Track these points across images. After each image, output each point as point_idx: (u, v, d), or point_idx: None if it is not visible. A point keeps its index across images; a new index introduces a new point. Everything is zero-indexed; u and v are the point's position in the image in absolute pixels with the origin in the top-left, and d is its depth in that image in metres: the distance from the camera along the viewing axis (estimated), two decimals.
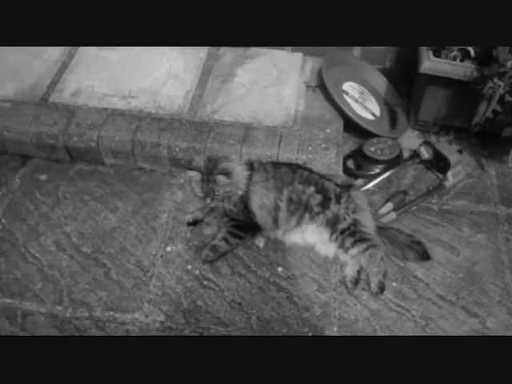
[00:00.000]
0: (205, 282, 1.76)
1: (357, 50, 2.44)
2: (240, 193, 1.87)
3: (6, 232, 1.91)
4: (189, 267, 1.80)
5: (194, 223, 1.95)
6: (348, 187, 1.98)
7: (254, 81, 2.33)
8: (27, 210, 1.98)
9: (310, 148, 2.10)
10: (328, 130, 2.16)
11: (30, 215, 1.97)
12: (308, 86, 2.32)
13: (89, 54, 2.43)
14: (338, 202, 1.88)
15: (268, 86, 2.32)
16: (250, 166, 1.94)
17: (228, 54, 2.45)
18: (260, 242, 1.89)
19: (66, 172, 2.14)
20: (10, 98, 2.27)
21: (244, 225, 1.88)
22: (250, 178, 1.91)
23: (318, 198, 1.89)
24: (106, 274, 1.79)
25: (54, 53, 2.44)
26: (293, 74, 2.37)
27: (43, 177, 2.12)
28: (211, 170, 1.82)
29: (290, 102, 2.26)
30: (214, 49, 2.47)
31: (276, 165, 1.98)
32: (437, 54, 2.04)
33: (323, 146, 2.11)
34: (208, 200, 1.83)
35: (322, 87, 2.30)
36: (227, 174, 1.82)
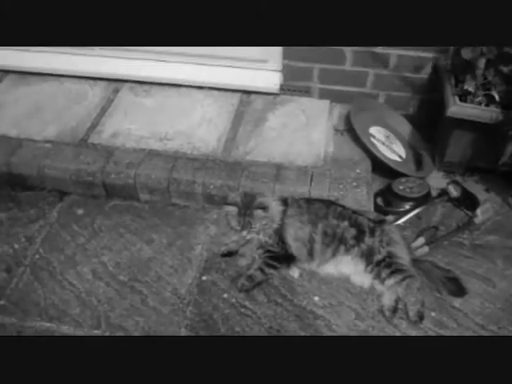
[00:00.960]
0: (242, 310, 1.76)
1: (382, 97, 2.54)
2: (275, 226, 1.90)
3: (44, 261, 1.94)
4: (225, 295, 1.80)
5: (229, 254, 1.97)
6: (380, 222, 2.00)
7: (284, 125, 2.42)
8: (64, 240, 2.02)
9: (341, 186, 2.14)
10: (358, 170, 2.21)
11: (67, 246, 2.00)
12: (336, 130, 2.40)
13: (126, 100, 2.55)
14: (373, 235, 1.90)
15: (298, 129, 2.40)
16: (284, 201, 1.98)
17: (258, 100, 2.56)
18: (295, 272, 1.89)
19: (101, 207, 2.19)
20: (51, 139, 2.37)
21: (279, 256, 1.89)
22: (284, 212, 1.95)
23: (353, 231, 1.90)
24: (142, 300, 1.79)
25: (93, 99, 2.57)
26: (321, 118, 2.45)
27: (80, 211, 2.17)
28: (248, 205, 1.87)
29: (319, 144, 2.33)
30: (245, 96, 2.58)
31: (309, 201, 2.02)
32: (462, 99, 2.13)
33: (354, 184, 2.15)
34: (244, 232, 1.86)
35: (350, 131, 2.38)
36: (264, 208, 1.86)
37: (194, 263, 1.92)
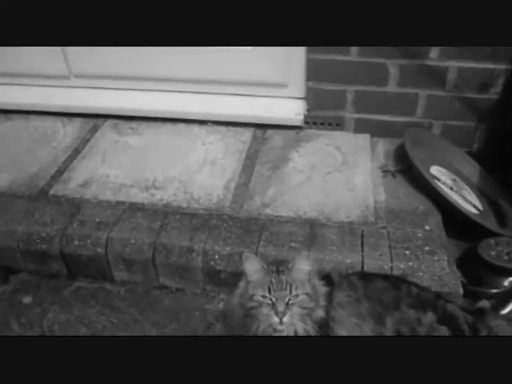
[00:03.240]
0: None
1: (436, 128, 1.73)
2: (321, 314, 1.05)
3: None
4: None
5: None
6: (479, 313, 1.14)
7: (313, 166, 1.59)
8: None
9: (407, 252, 1.28)
10: (427, 227, 1.36)
11: None
12: (385, 171, 1.57)
13: (106, 140, 1.72)
14: (476, 335, 1.04)
15: (332, 171, 1.57)
16: (328, 279, 1.13)
17: (276, 136, 1.74)
18: None
19: (59, 292, 1.32)
20: (1, 191, 1.56)
21: None
22: (330, 297, 1.09)
23: (444, 330, 1.04)
24: None
25: (64, 139, 1.74)
26: (362, 157, 1.63)
27: (27, 299, 1.30)
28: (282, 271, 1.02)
29: (364, 190, 1.50)
30: (259, 131, 1.77)
31: (366, 277, 1.15)
32: None
33: (426, 248, 1.30)
34: (276, 320, 1.00)
35: (404, 172, 1.54)
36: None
37: None
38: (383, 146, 1.67)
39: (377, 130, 1.75)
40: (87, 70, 1.84)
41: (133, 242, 1.33)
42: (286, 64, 1.68)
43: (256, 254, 1.26)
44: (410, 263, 1.24)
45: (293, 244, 1.30)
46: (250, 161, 1.62)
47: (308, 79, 1.69)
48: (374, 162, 1.60)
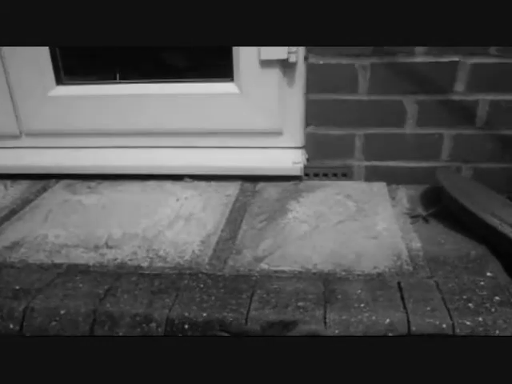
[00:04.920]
0: None
1: (466, 172, 1.42)
2: None
3: None
4: None
5: None
6: None
7: (320, 215, 1.23)
8: None
9: (470, 305, 0.89)
10: (489, 273, 0.98)
11: None
12: (414, 217, 1.21)
13: (55, 200, 1.35)
14: None
15: (345, 220, 1.21)
16: None
17: (269, 189, 1.40)
18: None
19: None
20: None
21: None
22: None
23: None
24: None
25: (2, 201, 1.42)
26: (381, 204, 1.28)
27: None
28: None
29: (391, 237, 1.12)
30: (248, 184, 1.44)
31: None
32: None
33: (497, 298, 0.90)
34: None
35: (439, 216, 1.19)
36: None
37: None
38: (406, 193, 1.34)
39: (393, 179, 1.43)
40: (40, 127, 1.57)
41: (63, 312, 0.91)
42: (279, 107, 1.42)
43: (246, 320, 0.85)
44: (480, 318, 0.83)
45: (300, 303, 0.89)
46: (238, 213, 1.26)
47: (307, 124, 1.43)
48: (398, 209, 1.25)
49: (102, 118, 1.52)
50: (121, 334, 0.88)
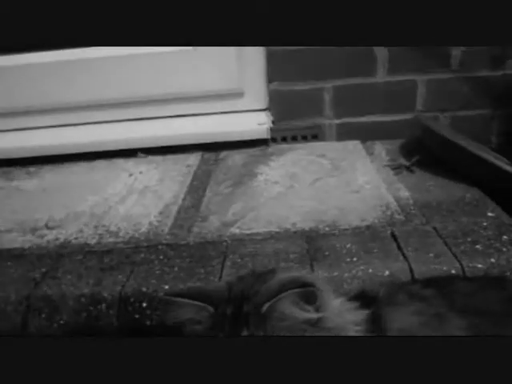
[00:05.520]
0: None
1: (445, 120, 1.32)
2: None
3: None
4: None
5: None
6: None
7: (293, 175, 1.09)
8: None
9: (478, 247, 0.77)
10: (490, 213, 0.87)
11: None
12: (396, 168, 1.10)
13: None
14: None
15: (322, 177, 1.07)
16: (363, 298, 0.57)
17: (235, 156, 1.24)
18: None
19: None
20: None
21: None
22: (378, 323, 0.54)
23: None
24: None
25: None
26: (358, 160, 1.13)
27: None
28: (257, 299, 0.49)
29: (376, 189, 0.98)
30: (210, 154, 1.29)
31: (434, 283, 0.60)
32: None
33: (504, 238, 0.79)
34: None
35: (422, 165, 1.09)
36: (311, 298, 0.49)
37: None
38: (383, 147, 1.21)
39: (367, 136, 1.31)
40: None
41: None
42: (238, 64, 1.26)
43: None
44: (492, 259, 0.71)
45: (282, 264, 0.76)
46: (200, 182, 1.11)
47: (270, 80, 1.29)
48: (377, 163, 1.13)
49: (26, 93, 1.33)
50: (62, 322, 0.72)
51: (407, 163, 1.08)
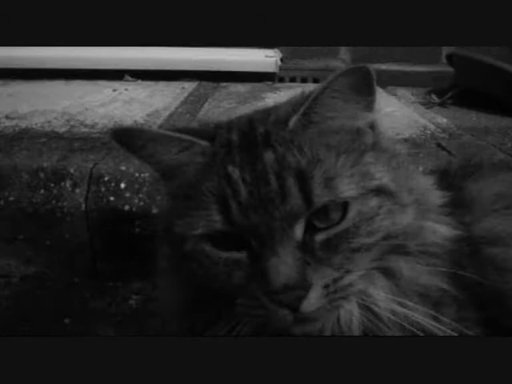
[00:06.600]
0: None
1: None
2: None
3: None
4: None
5: None
6: None
7: None
8: None
9: None
10: None
11: None
12: (426, 104, 0.96)
13: None
14: None
15: None
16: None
17: (238, 86, 1.11)
18: None
19: None
20: None
21: None
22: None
23: None
24: None
25: None
26: (381, 98, 1.01)
27: None
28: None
29: (407, 116, 0.82)
30: (209, 83, 1.14)
31: None
32: None
33: None
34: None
35: (456, 102, 0.94)
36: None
37: None
38: (407, 91, 1.09)
39: (385, 83, 1.19)
40: None
41: None
42: None
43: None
44: None
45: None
46: (197, 98, 0.95)
47: None
48: (403, 100, 0.99)
49: None
50: (12, 198, 0.54)
51: (438, 100, 0.94)
